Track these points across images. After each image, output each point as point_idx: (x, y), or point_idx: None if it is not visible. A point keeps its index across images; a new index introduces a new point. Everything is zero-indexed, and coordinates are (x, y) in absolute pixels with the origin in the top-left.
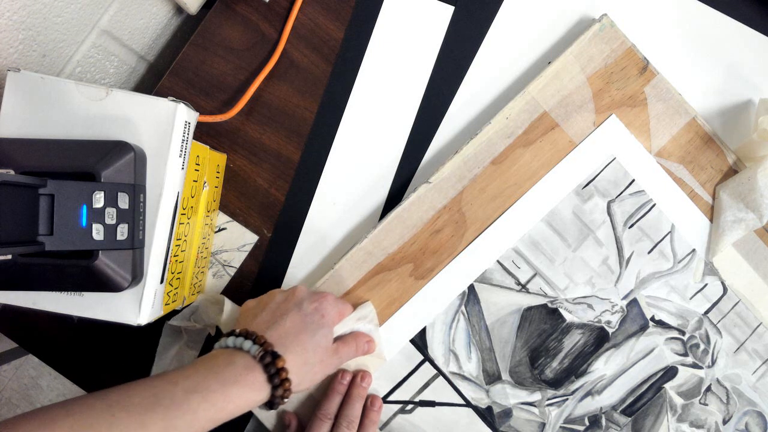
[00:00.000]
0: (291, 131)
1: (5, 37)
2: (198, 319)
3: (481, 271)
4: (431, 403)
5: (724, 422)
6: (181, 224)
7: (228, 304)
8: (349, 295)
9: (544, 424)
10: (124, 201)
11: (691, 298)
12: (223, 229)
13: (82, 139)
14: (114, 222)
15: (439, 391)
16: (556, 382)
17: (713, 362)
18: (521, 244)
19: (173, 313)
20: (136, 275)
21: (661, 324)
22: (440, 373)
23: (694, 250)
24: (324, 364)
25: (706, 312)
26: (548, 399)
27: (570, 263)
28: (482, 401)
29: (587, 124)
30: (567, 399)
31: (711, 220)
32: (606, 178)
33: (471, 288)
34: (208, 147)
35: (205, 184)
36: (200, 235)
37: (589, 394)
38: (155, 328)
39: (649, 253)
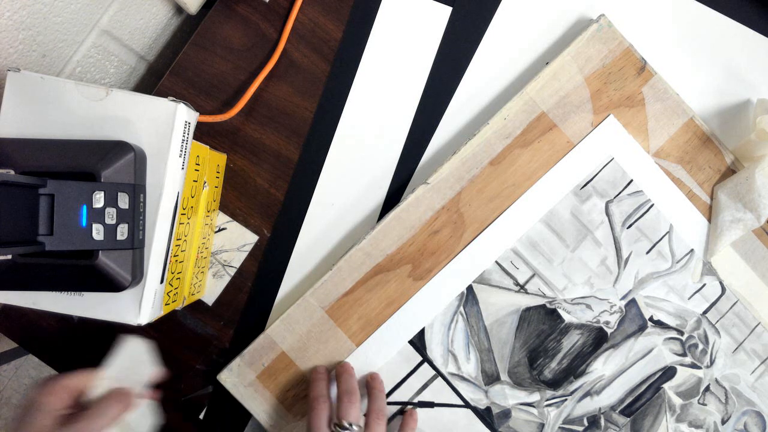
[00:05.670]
0: (291, 131)
1: (5, 37)
2: None
3: (479, 272)
4: (430, 404)
5: (723, 422)
6: (181, 224)
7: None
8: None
9: (543, 425)
10: (124, 201)
11: (689, 298)
12: (223, 229)
13: (82, 139)
14: (114, 222)
15: (438, 391)
16: (554, 383)
17: (712, 362)
18: (520, 245)
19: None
20: (136, 275)
21: (659, 324)
22: (439, 374)
23: (692, 250)
24: None
25: (705, 312)
26: (547, 399)
27: (568, 264)
28: (481, 402)
29: (585, 125)
30: (566, 399)
31: (709, 220)
32: (604, 178)
33: (469, 289)
34: (208, 147)
35: (205, 184)
36: (200, 235)
37: (587, 394)
38: (155, 328)
39: (647, 253)
